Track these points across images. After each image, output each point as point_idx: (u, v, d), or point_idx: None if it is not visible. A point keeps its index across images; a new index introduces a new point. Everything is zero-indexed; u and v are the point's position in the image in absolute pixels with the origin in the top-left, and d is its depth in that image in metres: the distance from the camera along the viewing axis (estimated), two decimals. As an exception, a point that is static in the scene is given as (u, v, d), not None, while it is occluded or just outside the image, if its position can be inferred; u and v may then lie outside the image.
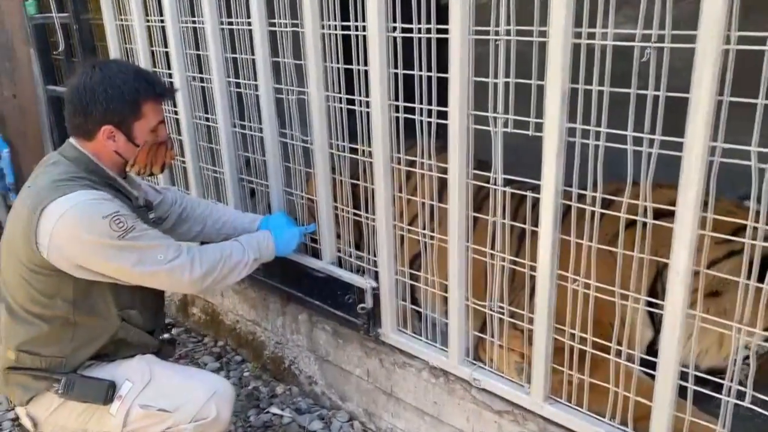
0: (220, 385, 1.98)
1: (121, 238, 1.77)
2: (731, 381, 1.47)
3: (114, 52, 3.04)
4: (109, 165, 1.93)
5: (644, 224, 1.52)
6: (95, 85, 1.82)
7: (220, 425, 1.93)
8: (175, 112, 2.82)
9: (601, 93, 1.46)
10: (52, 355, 1.90)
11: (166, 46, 2.73)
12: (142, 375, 1.93)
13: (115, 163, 1.93)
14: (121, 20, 2.94)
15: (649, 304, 1.60)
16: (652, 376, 1.60)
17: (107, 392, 1.87)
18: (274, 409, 2.62)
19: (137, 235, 1.81)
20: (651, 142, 1.42)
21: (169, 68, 2.75)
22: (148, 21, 2.79)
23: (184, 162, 2.91)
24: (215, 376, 2.10)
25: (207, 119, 2.70)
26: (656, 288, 1.79)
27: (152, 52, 2.85)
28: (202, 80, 2.64)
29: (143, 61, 2.86)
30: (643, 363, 1.66)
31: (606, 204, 1.59)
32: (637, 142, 1.44)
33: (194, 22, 2.56)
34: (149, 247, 1.84)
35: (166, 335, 2.13)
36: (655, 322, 1.88)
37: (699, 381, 1.52)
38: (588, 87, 1.48)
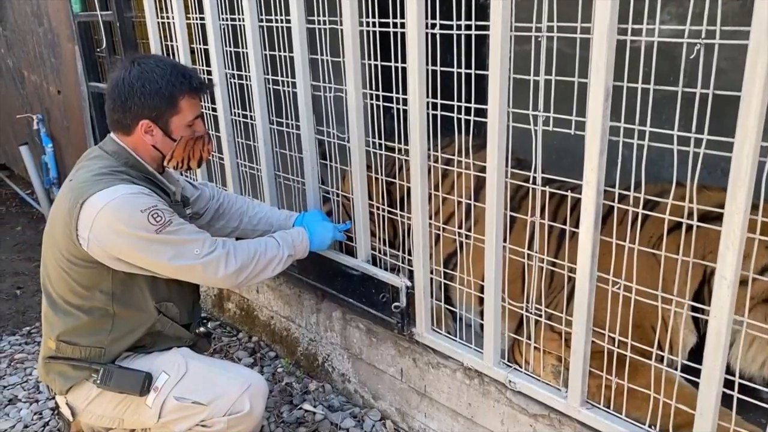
0: (253, 379, 1.99)
1: (158, 232, 1.80)
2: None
3: (155, 49, 3.08)
4: (148, 159, 1.95)
5: (690, 227, 1.48)
6: (133, 80, 1.84)
7: (253, 419, 1.95)
8: (214, 109, 2.85)
9: (645, 91, 1.42)
10: (91, 345, 1.93)
11: (205, 44, 2.75)
12: (178, 367, 1.95)
13: (153, 157, 1.95)
14: (163, 18, 2.98)
15: (694, 308, 1.56)
16: (693, 383, 1.55)
17: (144, 383, 1.90)
18: (307, 406, 2.63)
19: (174, 229, 1.83)
20: (697, 142, 1.37)
21: (208, 65, 2.78)
22: (188, 18, 2.82)
23: (222, 159, 2.93)
24: (249, 370, 2.11)
25: (245, 116, 2.72)
26: (702, 293, 1.74)
27: (192, 50, 2.88)
28: (240, 77, 2.66)
29: (183, 58, 2.89)
30: (685, 369, 1.61)
31: (651, 206, 1.54)
32: (683, 143, 1.39)
33: (233, 19, 2.57)
34: (186, 242, 1.86)
35: (201, 329, 2.16)
36: (700, 327, 1.82)
37: (745, 390, 1.47)
38: (632, 85, 1.44)
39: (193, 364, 1.98)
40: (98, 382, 1.91)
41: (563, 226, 1.79)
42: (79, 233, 1.81)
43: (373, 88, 2.13)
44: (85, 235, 1.80)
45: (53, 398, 2.33)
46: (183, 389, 1.91)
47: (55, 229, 1.90)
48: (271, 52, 2.46)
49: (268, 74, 2.54)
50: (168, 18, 2.92)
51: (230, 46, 2.65)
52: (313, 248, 2.22)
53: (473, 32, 1.72)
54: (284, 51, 2.38)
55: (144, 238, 1.79)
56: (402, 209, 2.22)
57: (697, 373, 1.51)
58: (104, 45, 3.57)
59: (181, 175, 2.32)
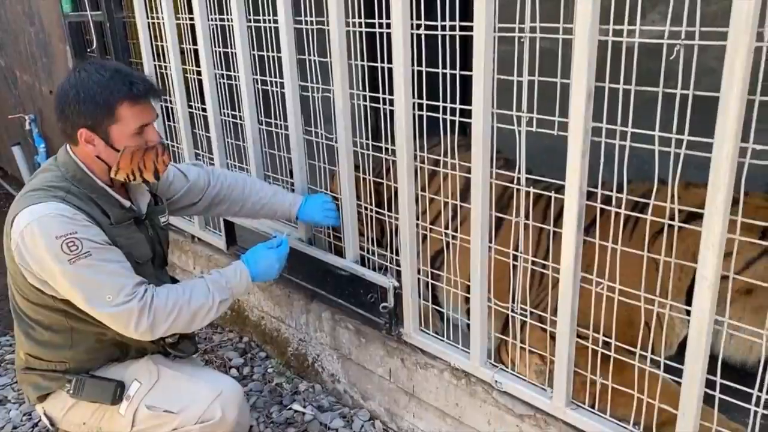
0: (226, 386, 1.96)
1: (72, 263, 1.69)
2: (760, 390, 1.42)
3: (145, 50, 3.08)
4: (98, 172, 1.84)
5: (680, 226, 1.49)
6: (70, 88, 1.75)
7: (226, 426, 1.92)
8: (204, 109, 2.85)
9: (627, 92, 1.42)
10: (55, 360, 1.92)
11: (195, 44, 2.75)
12: (150, 375, 1.94)
13: (101, 169, 1.84)
14: (153, 18, 2.98)
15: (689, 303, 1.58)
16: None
17: (115, 392, 1.89)
18: (297, 406, 2.63)
19: (91, 264, 1.71)
20: (679, 142, 1.38)
21: (197, 65, 2.78)
22: (177, 19, 2.82)
23: (212, 159, 2.94)
24: (223, 376, 2.07)
25: (234, 116, 2.73)
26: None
27: (182, 50, 2.88)
28: (229, 78, 2.66)
29: (173, 59, 2.90)
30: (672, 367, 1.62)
31: (641, 206, 1.55)
32: (666, 143, 1.40)
33: (222, 19, 2.58)
34: (99, 284, 1.73)
35: (168, 339, 2.03)
36: None
37: (728, 388, 1.48)
38: (614, 85, 1.45)
39: (165, 371, 1.96)
40: (71, 392, 1.89)
41: (550, 228, 1.79)
42: (13, 250, 1.77)
43: (361, 88, 2.14)
44: (16, 254, 1.76)
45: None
46: (154, 397, 1.90)
47: (4, 243, 1.87)
48: (260, 53, 2.47)
49: (256, 74, 2.54)
50: (158, 18, 2.93)
51: (219, 46, 2.65)
52: (260, 281, 2.08)
53: (458, 32, 1.72)
54: (272, 51, 2.39)
55: (55, 267, 1.69)
56: (390, 209, 2.22)
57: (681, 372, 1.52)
58: (95, 45, 3.57)
59: (171, 165, 2.22)
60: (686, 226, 1.47)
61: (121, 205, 1.90)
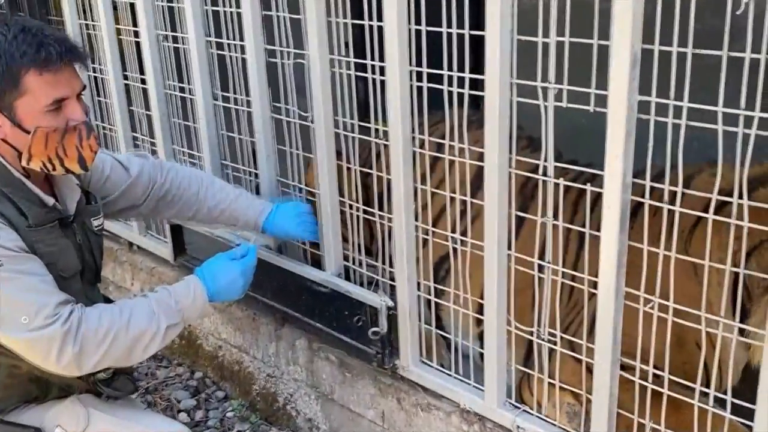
0: (174, 431, 1.97)
1: None
2: None
3: (68, 4, 3.07)
4: (11, 160, 1.82)
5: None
6: None
7: None
8: (143, 81, 2.85)
9: (683, 56, 1.43)
10: None
11: (130, -4, 2.75)
12: (77, 420, 1.92)
13: (12, 156, 1.82)
14: (76, -37, 2.98)
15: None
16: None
17: None
18: (264, 460, 2.64)
19: (2, 277, 1.70)
20: (749, 120, 1.38)
21: (134, 24, 2.78)
22: (109, -36, 2.83)
23: (153, 144, 2.94)
24: (170, 421, 2.07)
25: (182, 90, 2.73)
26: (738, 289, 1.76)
27: (114, 4, 2.88)
28: (175, 40, 2.66)
29: (103, 15, 2.89)
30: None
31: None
32: (732, 121, 1.40)
33: (166, -35, 2.59)
34: (11, 302, 1.71)
35: (100, 374, 1.99)
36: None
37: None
38: (666, 48, 1.45)
39: (97, 415, 1.95)
40: None
41: (586, 230, 1.79)
42: None
43: (344, 53, 2.14)
44: None
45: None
46: None
47: None
48: (214, 8, 2.46)
49: (210, 35, 2.54)
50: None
51: (163, 0, 2.65)
52: (219, 301, 2.11)
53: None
54: (231, 6, 2.38)
55: None
56: (382, 207, 2.23)
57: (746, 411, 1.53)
58: (3, 0, 3.56)
59: (108, 155, 2.22)
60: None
61: (43, 202, 1.88)
